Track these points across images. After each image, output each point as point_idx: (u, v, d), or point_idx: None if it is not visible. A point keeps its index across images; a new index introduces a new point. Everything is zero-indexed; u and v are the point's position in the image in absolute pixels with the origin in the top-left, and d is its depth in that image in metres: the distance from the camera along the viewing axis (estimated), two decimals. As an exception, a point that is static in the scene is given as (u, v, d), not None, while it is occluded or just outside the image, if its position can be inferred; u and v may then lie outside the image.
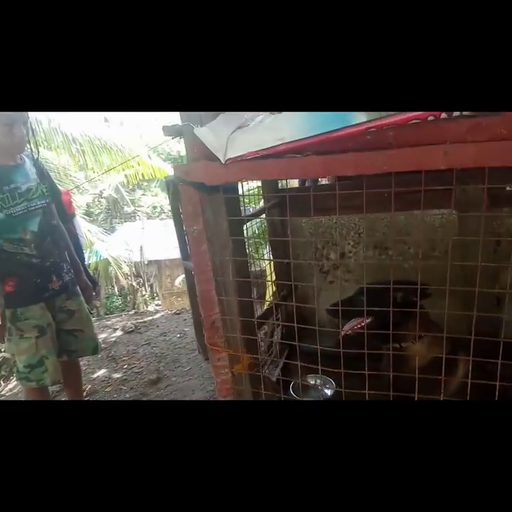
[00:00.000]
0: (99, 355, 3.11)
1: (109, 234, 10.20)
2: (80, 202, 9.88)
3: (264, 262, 2.43)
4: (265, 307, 2.33)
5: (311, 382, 2.17)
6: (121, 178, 11.32)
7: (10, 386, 3.21)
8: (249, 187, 2.10)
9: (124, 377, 2.73)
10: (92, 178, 7.42)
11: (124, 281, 9.53)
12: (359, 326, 1.46)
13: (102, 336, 3.47)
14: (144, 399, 2.43)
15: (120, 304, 10.96)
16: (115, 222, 13.48)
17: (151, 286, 12.05)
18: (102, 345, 3.27)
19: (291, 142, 0.94)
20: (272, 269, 2.47)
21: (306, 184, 2.67)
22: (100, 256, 8.44)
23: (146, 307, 7.94)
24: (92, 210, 13.38)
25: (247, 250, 2.77)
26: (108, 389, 2.61)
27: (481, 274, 1.00)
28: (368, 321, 1.46)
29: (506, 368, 1.03)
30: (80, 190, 10.47)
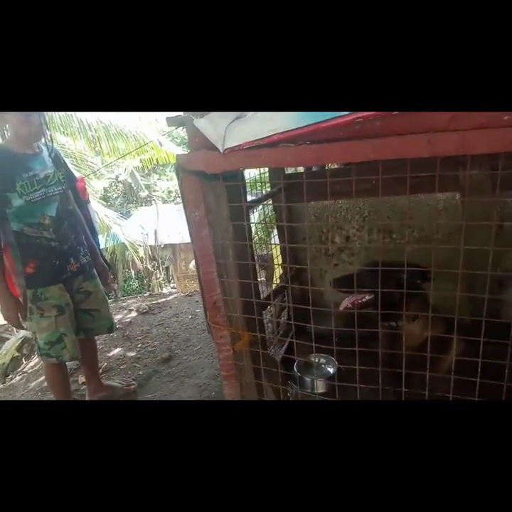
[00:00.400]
0: (115, 335, 3.25)
1: (125, 218, 10.35)
2: (96, 187, 10.07)
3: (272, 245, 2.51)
4: (272, 289, 2.39)
5: (315, 360, 2.26)
6: (137, 163, 11.44)
7: (31, 364, 3.39)
8: (256, 173, 2.16)
9: (138, 355, 2.86)
10: (108, 164, 7.52)
11: (140, 265, 9.71)
12: (359, 301, 1.52)
13: (117, 317, 3.61)
14: (156, 376, 2.56)
15: (137, 287, 11.19)
16: (131, 207, 13.65)
17: (166, 269, 12.24)
18: (118, 326, 3.42)
19: (284, 132, 0.99)
20: (279, 253, 2.55)
21: (313, 169, 2.70)
22: (117, 240, 8.61)
23: (161, 289, 8.11)
24: (109, 194, 13.58)
25: (257, 234, 2.85)
26: (123, 366, 2.75)
27: (483, 257, 1.04)
28: (367, 297, 1.51)
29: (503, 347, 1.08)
30: (97, 175, 10.63)
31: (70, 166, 2.20)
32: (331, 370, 2.19)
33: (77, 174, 2.38)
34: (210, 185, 1.19)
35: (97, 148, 5.89)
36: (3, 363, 4.07)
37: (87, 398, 2.35)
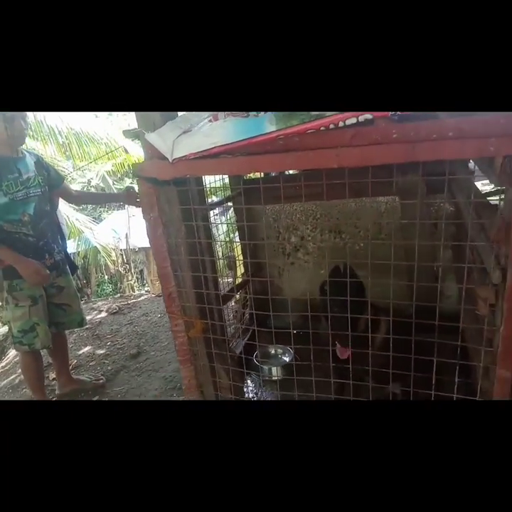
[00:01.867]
0: (85, 334, 3.36)
1: (97, 222, 10.30)
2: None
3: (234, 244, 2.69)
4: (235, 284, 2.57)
5: (272, 351, 2.45)
6: (109, 168, 11.40)
7: (2, 364, 3.44)
8: (218, 179, 2.34)
9: (107, 352, 2.98)
10: (79, 168, 7.54)
11: (112, 269, 9.70)
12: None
13: (88, 317, 3.68)
14: (124, 370, 2.69)
15: (111, 291, 11.15)
16: (102, 211, 13.54)
17: (141, 272, 12.22)
18: (89, 326, 3.52)
19: (222, 146, 1.17)
20: (240, 251, 2.74)
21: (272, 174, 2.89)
22: (89, 244, 8.60)
23: (133, 292, 8.16)
24: (80, 198, 13.44)
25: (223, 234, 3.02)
26: (92, 363, 2.86)
27: (421, 253, 1.21)
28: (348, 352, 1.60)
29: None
30: (68, 180, 10.55)
31: (56, 169, 2.33)
32: (286, 359, 2.38)
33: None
34: (163, 190, 1.36)
35: (67, 153, 5.94)
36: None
37: (57, 392, 2.46)
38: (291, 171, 3.03)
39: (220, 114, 1.25)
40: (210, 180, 2.17)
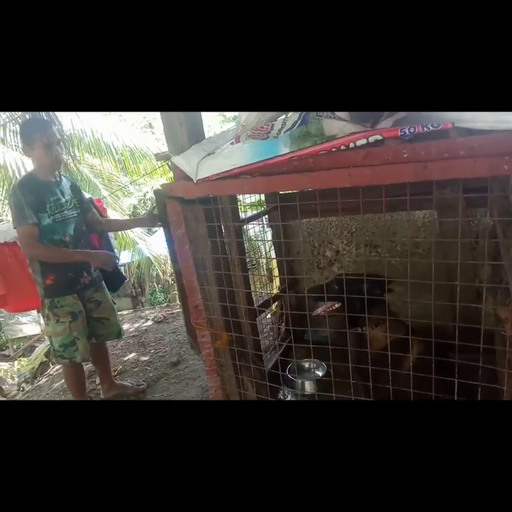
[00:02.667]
0: (131, 342, 3.54)
1: (150, 234, 10.78)
2: (125, 204, 10.59)
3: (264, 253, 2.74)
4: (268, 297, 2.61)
5: (306, 365, 2.45)
6: (164, 181, 11.95)
7: (57, 367, 3.70)
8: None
9: (150, 359, 3.12)
10: (134, 180, 7.99)
11: (162, 278, 10.08)
12: (329, 309, 1.72)
13: (135, 325, 3.91)
14: (164, 378, 2.80)
15: (162, 300, 11.59)
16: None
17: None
18: (134, 333, 3.71)
19: (241, 167, 1.23)
20: (275, 265, 2.78)
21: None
22: (143, 255, 9.02)
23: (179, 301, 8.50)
24: (138, 210, 14.15)
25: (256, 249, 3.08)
26: (136, 369, 3.01)
27: (462, 269, 1.19)
28: (336, 305, 1.71)
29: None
30: (125, 194, 11.18)
31: (84, 195, 2.47)
32: (319, 373, 2.37)
33: (97, 195, 2.71)
34: (190, 208, 1.44)
35: (121, 168, 6.33)
36: (33, 367, 4.44)
37: (101, 396, 2.62)
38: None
39: (242, 136, 1.32)
40: (246, 196, 2.25)
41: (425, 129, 0.97)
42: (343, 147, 1.07)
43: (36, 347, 5.41)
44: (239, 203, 2.11)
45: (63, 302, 2.18)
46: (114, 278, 2.48)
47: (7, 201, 2.19)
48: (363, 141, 1.04)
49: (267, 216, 2.63)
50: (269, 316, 3.04)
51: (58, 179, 2.22)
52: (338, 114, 1.17)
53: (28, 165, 5.48)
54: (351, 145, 1.06)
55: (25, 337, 7.25)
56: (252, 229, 2.55)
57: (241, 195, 2.20)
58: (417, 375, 1.33)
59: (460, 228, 2.03)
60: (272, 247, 2.78)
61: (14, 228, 2.10)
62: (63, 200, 2.18)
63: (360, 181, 1.10)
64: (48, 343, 4.81)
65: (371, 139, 1.03)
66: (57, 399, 3.02)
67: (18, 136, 2.04)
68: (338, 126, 1.13)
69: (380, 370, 1.39)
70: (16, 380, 5.00)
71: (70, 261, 2.16)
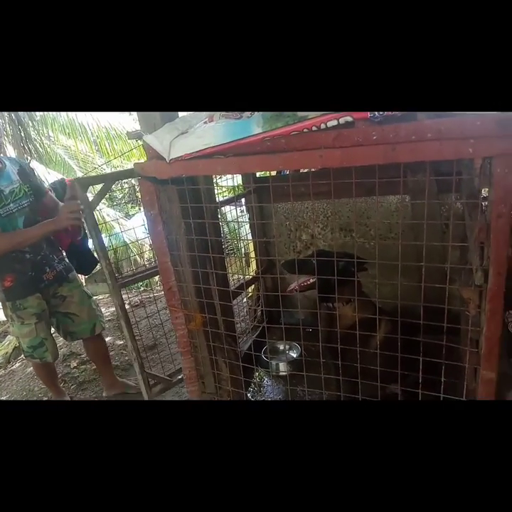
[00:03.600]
0: (107, 325, 3.50)
1: (128, 218, 10.60)
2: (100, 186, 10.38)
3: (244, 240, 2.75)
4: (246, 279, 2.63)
5: (280, 347, 2.49)
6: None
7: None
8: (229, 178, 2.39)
9: (126, 343, 3.10)
10: (109, 161, 7.82)
11: (141, 263, 9.96)
12: (303, 284, 1.75)
13: (111, 310, 3.87)
14: (143, 361, 2.79)
15: (141, 285, 11.50)
16: (134, 207, 13.89)
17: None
18: (110, 317, 3.68)
19: (214, 146, 1.22)
20: (252, 249, 2.79)
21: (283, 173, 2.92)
22: (120, 239, 8.88)
23: (158, 286, 8.42)
24: (114, 194, 13.85)
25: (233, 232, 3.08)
26: (112, 353, 2.99)
27: (432, 253, 1.20)
28: (311, 281, 1.74)
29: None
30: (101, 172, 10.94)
31: (36, 177, 2.17)
32: (294, 354, 2.42)
33: (72, 176, 2.56)
34: (163, 188, 1.42)
35: (97, 149, 6.19)
36: (6, 352, 4.35)
37: (104, 393, 2.57)
38: (304, 170, 3.06)
39: (216, 115, 1.30)
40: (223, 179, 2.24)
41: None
42: (314, 128, 1.07)
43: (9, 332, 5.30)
44: (216, 185, 2.10)
45: (26, 304, 2.03)
46: (85, 259, 2.28)
47: None
48: (334, 123, 1.05)
49: (244, 200, 2.63)
50: (245, 299, 3.06)
51: (1, 166, 1.94)
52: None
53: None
54: (322, 126, 1.06)
55: (-3, 322, 7.07)
56: (229, 212, 2.55)
57: (219, 178, 2.19)
58: (384, 353, 1.37)
59: (426, 210, 2.10)
60: (250, 232, 2.79)
61: None
62: (7, 190, 1.92)
63: (331, 163, 1.11)
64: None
65: (342, 121, 1.04)
66: (31, 384, 2.99)
67: None
68: (311, 107, 1.13)
69: (349, 348, 1.42)
70: (-11, 366, 4.89)
71: (25, 243, 1.91)
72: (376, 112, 0.99)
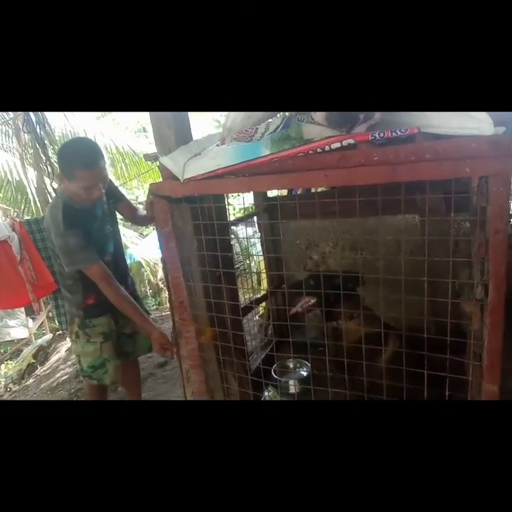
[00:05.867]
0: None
1: (142, 238, 10.78)
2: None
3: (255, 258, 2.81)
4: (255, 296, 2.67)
5: (290, 365, 2.50)
6: (155, 185, 11.97)
7: (44, 368, 3.73)
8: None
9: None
10: (123, 183, 8.06)
11: (153, 282, 10.10)
12: (306, 305, 1.79)
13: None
14: (151, 378, 2.84)
15: (153, 305, 11.58)
16: (148, 227, 14.13)
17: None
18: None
19: (225, 167, 1.30)
20: (263, 268, 2.85)
21: (294, 192, 2.99)
22: (134, 259, 9.04)
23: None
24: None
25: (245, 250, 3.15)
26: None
27: (443, 271, 1.25)
28: (312, 301, 1.78)
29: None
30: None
31: (113, 187, 2.11)
32: (304, 373, 2.43)
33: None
34: (177, 207, 1.50)
35: (112, 171, 6.39)
36: (20, 369, 4.44)
37: None
38: (316, 189, 3.13)
39: (228, 138, 1.38)
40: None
41: (394, 133, 1.04)
42: (319, 150, 1.14)
43: (23, 350, 5.40)
44: (228, 205, 2.17)
45: (96, 322, 2.00)
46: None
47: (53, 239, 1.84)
48: (338, 145, 1.11)
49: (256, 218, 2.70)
50: (256, 317, 3.10)
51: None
52: (317, 119, 1.23)
53: (20, 166, 5.52)
54: (326, 148, 1.13)
55: (12, 341, 7.20)
56: (241, 231, 2.62)
57: (232, 196, 2.26)
58: (391, 367, 1.39)
59: (436, 229, 2.13)
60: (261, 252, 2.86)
61: (67, 271, 1.87)
62: (100, 218, 1.93)
63: (335, 182, 1.17)
64: (36, 344, 4.84)
65: (345, 143, 1.10)
66: (45, 399, 3.04)
67: (57, 157, 1.84)
68: (317, 130, 1.20)
69: (356, 362, 1.45)
70: (3, 382, 4.98)
71: (128, 316, 1.90)
72: (377, 134, 1.05)
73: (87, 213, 1.87)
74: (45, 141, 3.84)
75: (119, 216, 2.20)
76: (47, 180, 5.34)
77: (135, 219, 2.27)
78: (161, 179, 1.49)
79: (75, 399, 2.94)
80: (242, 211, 2.62)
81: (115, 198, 2.06)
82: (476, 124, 1.00)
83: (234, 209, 5.27)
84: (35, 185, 5.18)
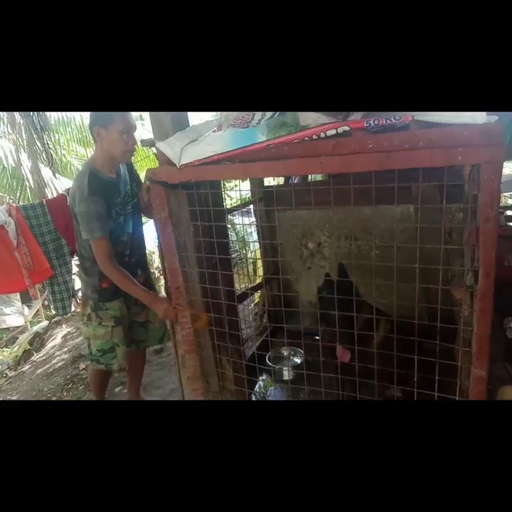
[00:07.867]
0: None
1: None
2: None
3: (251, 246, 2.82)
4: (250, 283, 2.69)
5: (284, 353, 2.53)
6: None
7: (40, 354, 3.75)
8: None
9: (134, 347, 3.18)
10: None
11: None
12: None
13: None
14: (148, 364, 2.86)
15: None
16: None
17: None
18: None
19: (221, 153, 1.30)
20: (259, 257, 2.86)
21: (290, 181, 3.00)
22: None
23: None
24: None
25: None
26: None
27: (436, 261, 1.27)
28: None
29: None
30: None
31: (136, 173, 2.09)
32: (297, 360, 2.46)
33: None
34: (173, 192, 1.51)
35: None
36: (16, 355, 4.46)
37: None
38: (315, 177, 3.13)
39: (224, 124, 1.39)
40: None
41: (388, 121, 1.05)
42: (314, 136, 1.15)
43: (18, 338, 5.42)
44: (224, 191, 2.18)
45: (109, 305, 1.99)
46: None
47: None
48: (333, 132, 1.12)
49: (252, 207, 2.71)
50: (252, 306, 3.12)
51: (120, 173, 1.92)
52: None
53: (15, 152, 5.49)
54: (322, 135, 1.14)
55: (8, 329, 7.20)
56: (237, 219, 2.63)
57: (228, 182, 2.28)
58: (382, 352, 1.42)
59: (430, 218, 2.14)
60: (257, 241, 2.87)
61: (84, 239, 1.84)
62: (122, 195, 1.91)
63: (330, 169, 1.19)
64: (32, 331, 4.85)
65: (340, 130, 1.11)
66: (41, 384, 3.07)
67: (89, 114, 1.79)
68: (313, 117, 1.20)
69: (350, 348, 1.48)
70: (-1, 368, 5.00)
71: (131, 293, 1.88)
72: (371, 122, 1.06)
73: (112, 186, 1.86)
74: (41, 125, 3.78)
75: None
76: (41, 166, 5.32)
77: (148, 210, 2.03)
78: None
79: (70, 384, 2.96)
80: (240, 202, 2.62)
81: (137, 183, 2.02)
82: (468, 112, 1.02)
83: (231, 199, 5.27)
84: (30, 169, 5.16)
